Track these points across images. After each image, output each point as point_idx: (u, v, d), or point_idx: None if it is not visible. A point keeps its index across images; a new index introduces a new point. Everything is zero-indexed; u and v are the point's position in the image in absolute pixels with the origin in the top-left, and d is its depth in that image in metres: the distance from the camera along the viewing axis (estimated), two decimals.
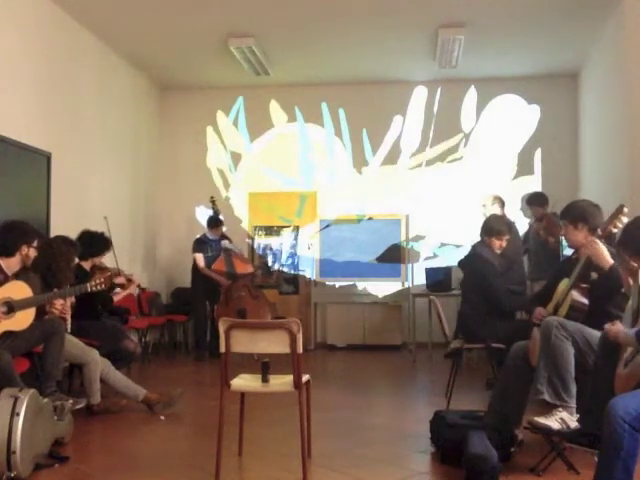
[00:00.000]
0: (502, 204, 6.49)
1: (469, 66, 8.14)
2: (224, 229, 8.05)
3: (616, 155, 6.74)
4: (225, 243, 7.80)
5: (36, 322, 4.20)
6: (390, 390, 6.07)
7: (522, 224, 7.97)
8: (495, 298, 4.77)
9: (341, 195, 9.00)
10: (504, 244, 5.04)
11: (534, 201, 7.13)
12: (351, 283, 8.93)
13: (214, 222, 7.94)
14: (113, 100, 7.88)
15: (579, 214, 3.74)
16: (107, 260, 5.81)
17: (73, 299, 4.68)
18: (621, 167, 6.45)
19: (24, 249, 4.28)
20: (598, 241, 3.50)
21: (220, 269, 7.62)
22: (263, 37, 7.33)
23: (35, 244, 4.35)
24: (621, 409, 2.43)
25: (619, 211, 3.47)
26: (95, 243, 5.46)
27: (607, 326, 3.05)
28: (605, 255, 3.47)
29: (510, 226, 5.36)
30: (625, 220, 3.46)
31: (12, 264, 4.26)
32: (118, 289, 5.56)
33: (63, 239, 4.98)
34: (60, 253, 4.79)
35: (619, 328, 2.98)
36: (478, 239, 5.20)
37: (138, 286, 5.86)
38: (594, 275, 3.60)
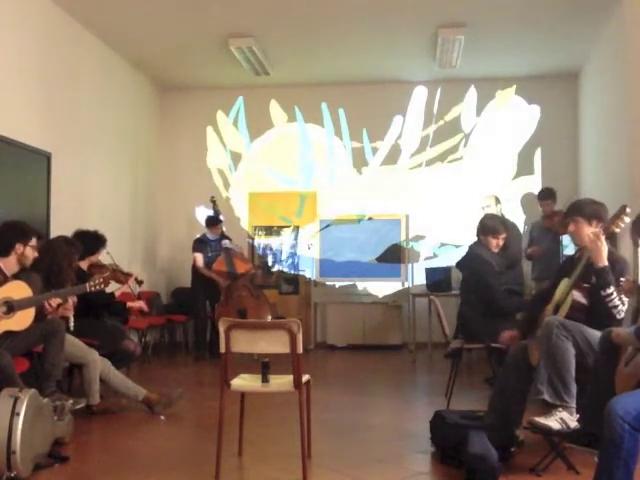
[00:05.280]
0: (498, 203, 6.53)
1: (469, 66, 8.14)
2: (224, 229, 8.06)
3: (616, 155, 6.74)
4: (226, 242, 7.81)
5: (36, 322, 4.20)
6: (390, 390, 6.07)
7: (521, 223, 8.01)
8: (492, 298, 4.73)
9: (341, 195, 9.00)
10: (501, 242, 5.00)
11: (547, 197, 7.01)
12: (351, 283, 8.94)
13: (212, 221, 7.95)
14: (113, 100, 7.88)
15: (594, 212, 3.69)
16: (103, 257, 5.79)
17: (75, 298, 4.68)
18: (621, 167, 6.45)
19: (19, 248, 4.26)
20: (603, 238, 3.49)
21: (220, 269, 7.61)
22: (263, 37, 7.33)
23: (32, 243, 4.32)
24: (621, 409, 2.43)
25: (622, 211, 3.47)
26: (90, 241, 5.43)
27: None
28: (603, 254, 3.47)
29: (506, 224, 5.34)
30: (627, 220, 3.46)
31: (10, 264, 4.25)
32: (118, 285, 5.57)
33: (64, 239, 4.99)
34: (62, 253, 4.79)
35: (620, 329, 3.00)
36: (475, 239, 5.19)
37: (136, 279, 5.83)
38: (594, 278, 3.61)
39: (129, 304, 5.55)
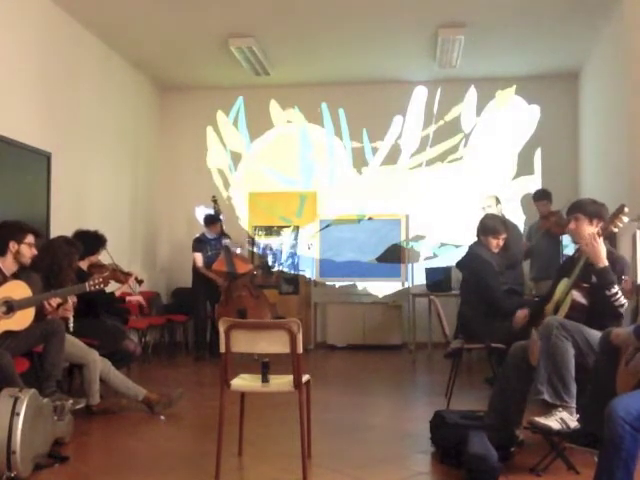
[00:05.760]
0: (498, 203, 6.53)
1: (469, 66, 8.14)
2: (223, 227, 8.05)
3: (616, 155, 6.74)
4: (227, 242, 7.80)
5: (36, 322, 4.20)
6: (390, 390, 6.07)
7: (521, 223, 8.01)
8: (492, 298, 4.73)
9: (341, 195, 8.99)
10: (501, 243, 5.00)
11: (542, 197, 6.99)
12: (351, 283, 8.94)
13: (211, 220, 7.95)
14: (113, 100, 7.88)
15: (596, 211, 3.68)
16: (103, 258, 5.80)
17: (75, 299, 4.68)
18: (621, 167, 6.45)
19: (13, 246, 4.24)
20: (599, 239, 3.49)
21: (221, 269, 7.61)
22: (263, 37, 7.33)
23: (27, 240, 4.31)
24: (622, 410, 2.42)
25: (620, 211, 3.47)
26: (90, 241, 5.43)
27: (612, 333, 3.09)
28: (602, 254, 3.47)
29: (506, 224, 5.34)
30: (626, 220, 3.47)
31: (7, 264, 4.25)
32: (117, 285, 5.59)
33: (65, 239, 4.99)
34: (62, 253, 4.79)
35: (620, 330, 3.00)
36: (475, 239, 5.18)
37: (136, 279, 5.84)
38: (595, 278, 3.60)
39: (128, 298, 5.59)
